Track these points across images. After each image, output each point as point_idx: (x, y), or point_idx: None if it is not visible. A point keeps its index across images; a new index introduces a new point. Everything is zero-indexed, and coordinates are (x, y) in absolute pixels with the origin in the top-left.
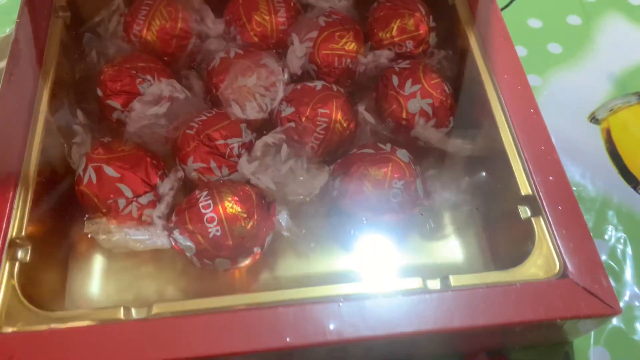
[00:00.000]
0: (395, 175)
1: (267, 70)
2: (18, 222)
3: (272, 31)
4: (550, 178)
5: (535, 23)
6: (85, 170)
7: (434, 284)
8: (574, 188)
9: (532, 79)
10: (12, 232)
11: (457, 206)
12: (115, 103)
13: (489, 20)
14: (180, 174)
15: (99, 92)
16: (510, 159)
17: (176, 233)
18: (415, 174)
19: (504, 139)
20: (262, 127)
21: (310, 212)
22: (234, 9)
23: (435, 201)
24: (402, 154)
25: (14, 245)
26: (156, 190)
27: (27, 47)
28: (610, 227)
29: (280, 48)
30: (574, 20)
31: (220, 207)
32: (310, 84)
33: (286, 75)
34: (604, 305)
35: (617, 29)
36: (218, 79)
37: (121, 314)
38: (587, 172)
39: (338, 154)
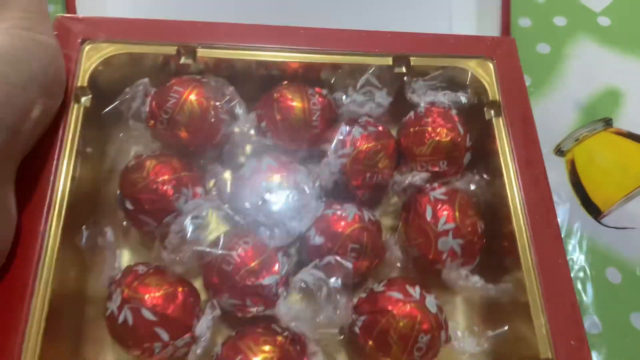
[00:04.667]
0: (423, 328)
1: (298, 190)
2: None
3: (305, 138)
4: (572, 343)
5: None
6: (120, 309)
7: None
8: None
9: None
10: None
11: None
12: (149, 219)
13: (524, 141)
14: (217, 312)
15: (128, 205)
16: (533, 317)
17: None
18: (441, 326)
19: (529, 295)
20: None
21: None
22: (267, 105)
23: (454, 348)
24: (431, 303)
25: None
26: (192, 331)
27: (45, 139)
28: (571, 258)
29: (313, 149)
30: (543, 48)
31: None
32: (341, 212)
33: (317, 186)
34: None
35: (586, 53)
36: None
37: None
38: None
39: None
